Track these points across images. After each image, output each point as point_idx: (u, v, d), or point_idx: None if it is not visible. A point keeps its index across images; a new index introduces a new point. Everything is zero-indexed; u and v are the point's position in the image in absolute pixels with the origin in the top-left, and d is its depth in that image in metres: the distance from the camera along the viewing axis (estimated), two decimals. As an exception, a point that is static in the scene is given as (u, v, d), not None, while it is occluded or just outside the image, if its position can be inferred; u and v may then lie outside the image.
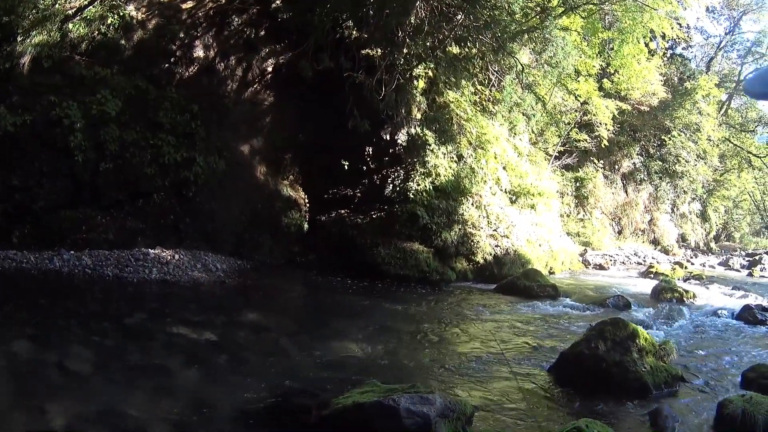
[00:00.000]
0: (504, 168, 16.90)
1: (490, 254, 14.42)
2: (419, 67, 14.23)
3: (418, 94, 14.31)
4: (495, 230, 14.99)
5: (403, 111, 13.75)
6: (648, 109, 25.96)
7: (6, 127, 10.37)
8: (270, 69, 13.59)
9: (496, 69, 15.64)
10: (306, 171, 14.33)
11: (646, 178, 28.26)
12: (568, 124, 23.46)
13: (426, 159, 14.12)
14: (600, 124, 22.84)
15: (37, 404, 5.50)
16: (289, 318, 10.09)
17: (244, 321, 9.41)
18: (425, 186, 13.90)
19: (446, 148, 14.71)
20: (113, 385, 6.18)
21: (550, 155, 22.86)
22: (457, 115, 15.24)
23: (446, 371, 7.44)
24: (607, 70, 23.76)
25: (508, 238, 15.11)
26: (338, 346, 8.21)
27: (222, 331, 8.46)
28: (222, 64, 13.01)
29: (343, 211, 14.22)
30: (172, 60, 12.47)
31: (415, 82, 14.28)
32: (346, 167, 14.02)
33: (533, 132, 21.41)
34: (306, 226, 14.02)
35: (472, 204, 14.73)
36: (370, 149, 14.07)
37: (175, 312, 9.21)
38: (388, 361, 7.76)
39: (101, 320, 8.40)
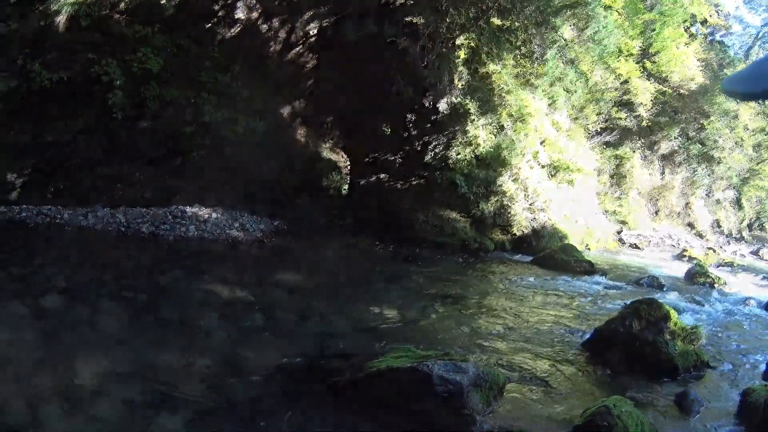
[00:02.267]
0: (543, 142, 16.33)
1: (527, 227, 13.99)
2: (462, 36, 13.73)
3: (460, 64, 13.81)
4: (532, 204, 14.52)
5: (445, 79, 13.26)
6: (688, 92, 25.18)
7: (41, 82, 10.00)
8: (313, 32, 13.16)
9: (539, 43, 15.03)
10: (347, 134, 13.98)
11: (684, 161, 27.45)
12: (608, 102, 22.74)
13: (467, 128, 13.69)
14: (640, 104, 22.13)
15: (66, 360, 5.33)
16: (325, 280, 9.83)
17: (280, 281, 9.19)
18: (465, 155, 13.47)
19: (487, 118, 14.18)
20: (145, 341, 6.00)
21: (590, 132, 22.16)
22: (498, 86, 14.72)
23: (480, 340, 7.39)
24: (649, 51, 22.98)
25: (545, 212, 14.67)
26: (374, 310, 8.09)
27: (258, 291, 8.31)
28: (265, 26, 12.59)
29: (382, 176, 13.88)
30: (214, 20, 12.03)
31: (458, 51, 13.76)
32: (387, 132, 13.66)
33: (573, 108, 20.74)
34: (345, 189, 13.74)
35: (511, 176, 14.25)
36: (412, 116, 13.64)
37: (210, 270, 9.01)
38: (423, 327, 7.69)
39: (135, 276, 8.21)
